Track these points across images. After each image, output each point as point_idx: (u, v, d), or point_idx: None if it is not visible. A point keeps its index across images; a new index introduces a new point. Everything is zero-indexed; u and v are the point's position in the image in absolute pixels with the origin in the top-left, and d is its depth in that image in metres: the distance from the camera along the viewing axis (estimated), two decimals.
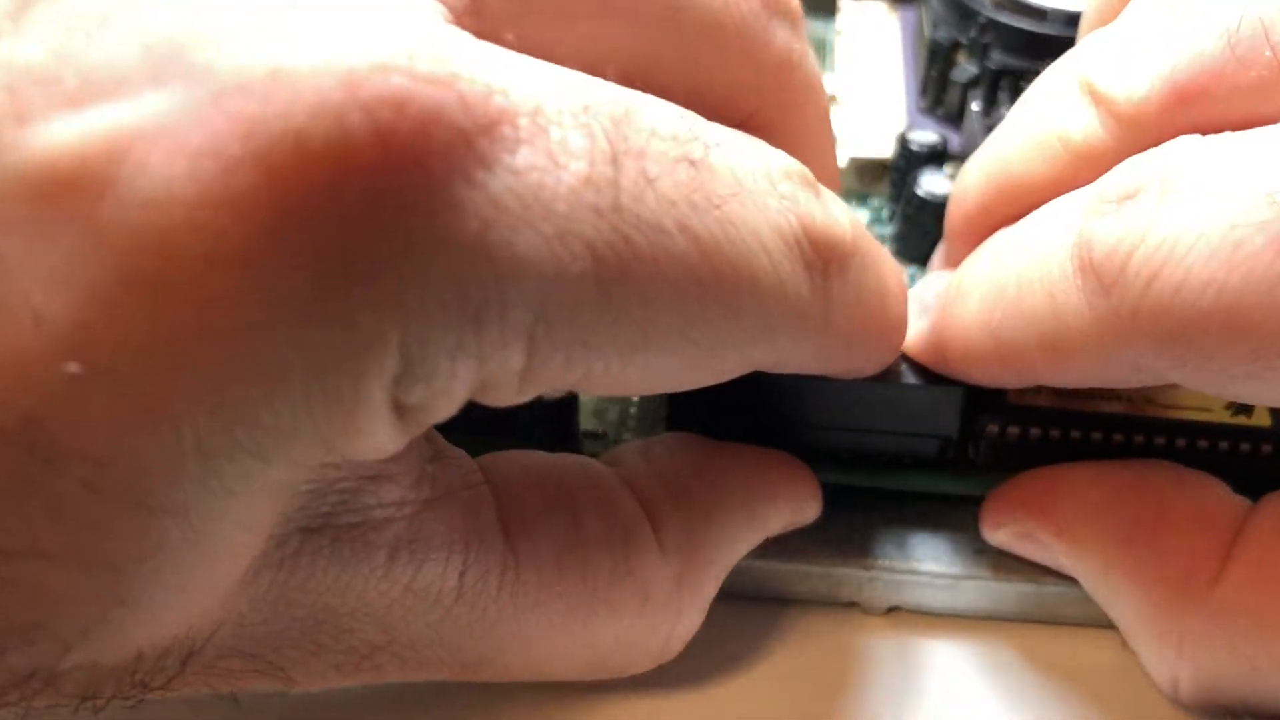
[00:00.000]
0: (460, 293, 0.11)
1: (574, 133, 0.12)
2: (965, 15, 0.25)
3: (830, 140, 0.19)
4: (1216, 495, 0.18)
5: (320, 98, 0.10)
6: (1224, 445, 0.19)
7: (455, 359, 0.12)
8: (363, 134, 0.10)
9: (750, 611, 0.21)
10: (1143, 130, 0.15)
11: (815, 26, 0.33)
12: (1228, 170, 0.14)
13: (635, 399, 0.22)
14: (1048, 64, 0.23)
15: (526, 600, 0.16)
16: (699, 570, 0.18)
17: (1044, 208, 0.17)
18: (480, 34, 0.12)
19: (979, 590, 0.20)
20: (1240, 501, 0.18)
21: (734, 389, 0.20)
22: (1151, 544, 0.18)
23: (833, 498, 0.21)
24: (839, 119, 0.27)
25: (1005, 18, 0.25)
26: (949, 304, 0.18)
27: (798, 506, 0.19)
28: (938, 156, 0.25)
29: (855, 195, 0.27)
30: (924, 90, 0.27)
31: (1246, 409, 0.19)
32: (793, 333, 0.15)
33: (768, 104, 0.16)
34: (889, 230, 0.25)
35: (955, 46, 0.26)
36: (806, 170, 0.15)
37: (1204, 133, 0.14)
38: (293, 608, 0.14)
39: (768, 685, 0.20)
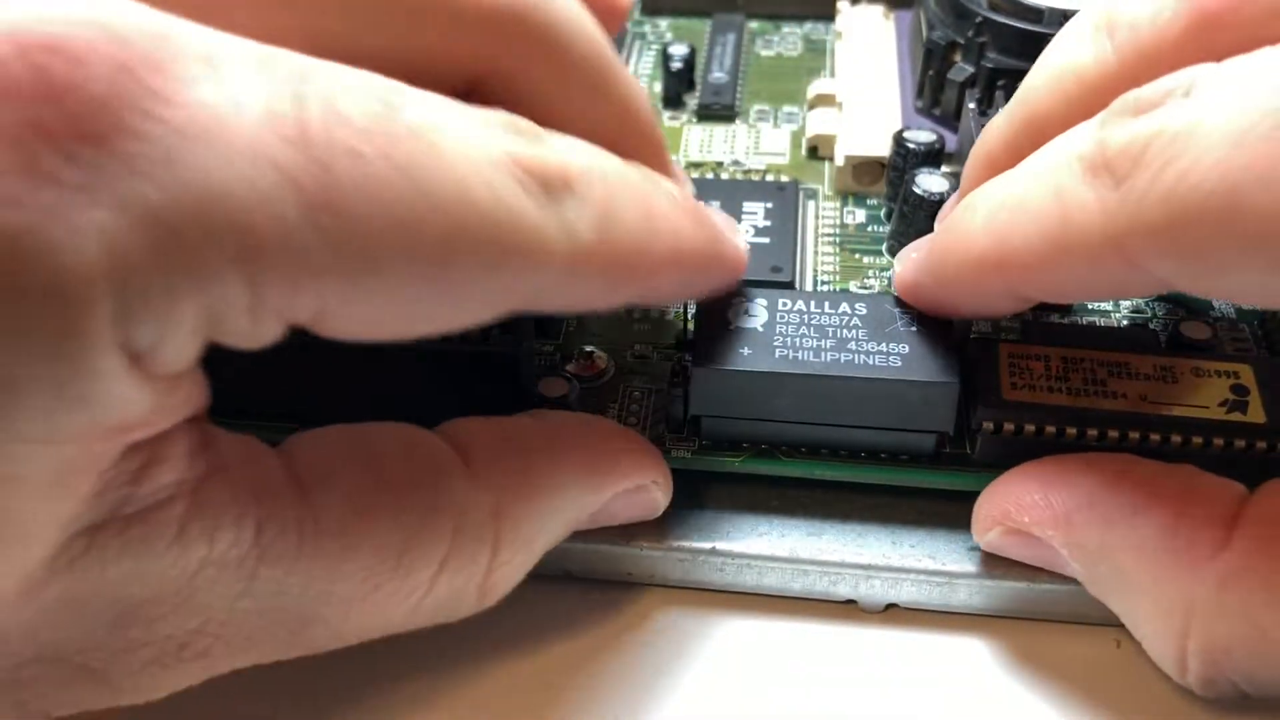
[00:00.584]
0: (155, 219, 0.12)
1: (252, 75, 0.13)
2: (961, 16, 0.26)
3: (603, 76, 0.18)
4: (1205, 476, 0.18)
5: None
6: (1218, 442, 0.19)
7: (172, 292, 0.12)
8: (21, 73, 0.11)
9: (749, 610, 0.21)
10: (1158, 59, 0.16)
11: (814, 29, 0.33)
12: (1245, 77, 0.14)
13: (635, 396, 0.22)
14: None
15: (334, 547, 0.16)
16: (518, 505, 0.18)
17: (1061, 135, 0.17)
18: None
19: (975, 588, 0.20)
20: (1229, 481, 0.18)
21: (735, 387, 0.20)
22: (1152, 518, 0.17)
23: (830, 495, 0.21)
24: (838, 119, 0.28)
25: (1001, 17, 0.25)
26: (953, 219, 0.19)
27: (641, 481, 0.19)
28: (934, 156, 0.25)
29: (853, 194, 0.27)
30: (920, 90, 0.27)
31: (1242, 407, 0.19)
32: (535, 257, 0.15)
33: (501, 64, 0.16)
34: (886, 229, 0.26)
35: (951, 47, 0.26)
36: (519, 121, 0.16)
37: (1219, 56, 0.15)
38: (89, 606, 0.14)
39: (766, 683, 0.20)
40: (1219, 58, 0.15)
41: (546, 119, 0.16)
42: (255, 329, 0.13)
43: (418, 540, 0.16)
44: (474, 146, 0.14)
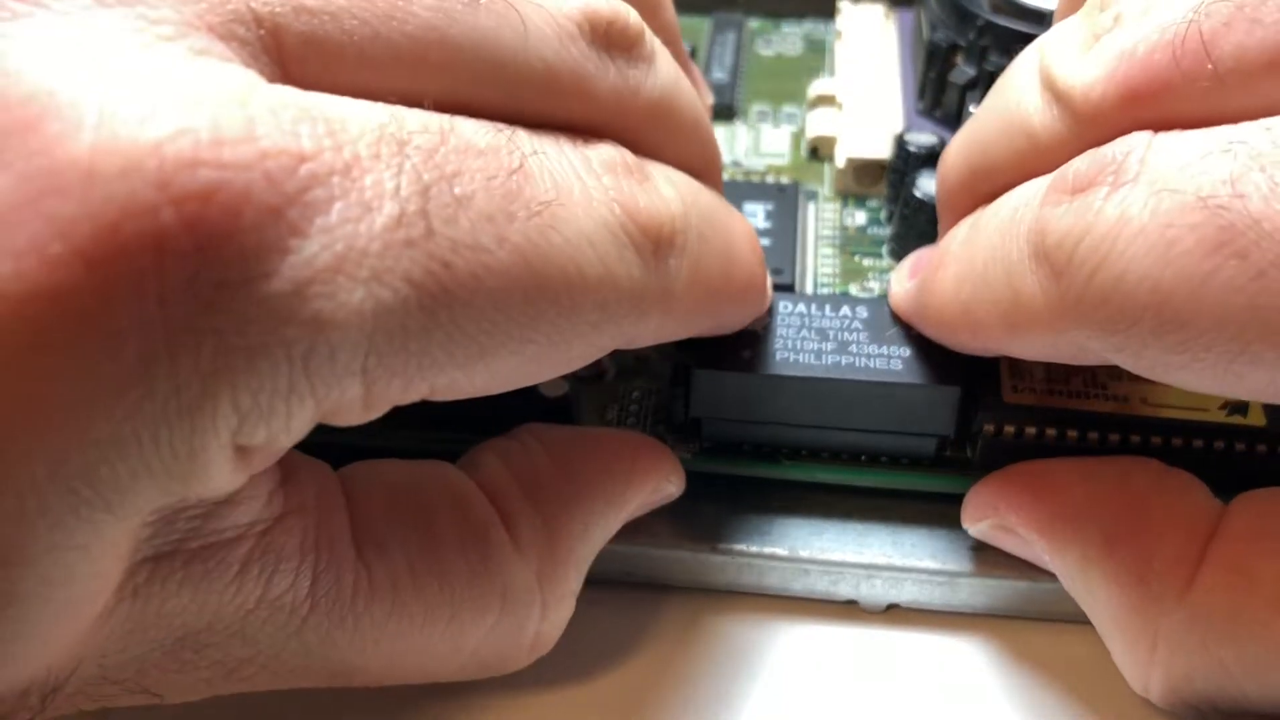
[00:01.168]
0: (285, 348, 0.12)
1: (387, 174, 0.13)
2: (963, 18, 0.26)
3: (699, 142, 0.19)
4: (1196, 498, 0.18)
5: (132, 196, 0.11)
6: (1219, 445, 0.19)
7: (290, 403, 0.12)
8: (174, 227, 0.11)
9: (751, 610, 0.21)
10: (1097, 125, 0.16)
11: (814, 29, 0.33)
12: (1169, 171, 0.14)
13: (635, 396, 0.22)
14: None
15: (383, 607, 0.16)
16: (558, 564, 0.18)
17: (1010, 193, 0.17)
18: (295, 79, 0.13)
19: (977, 587, 0.20)
20: (1216, 504, 0.18)
21: (736, 389, 0.20)
22: (1130, 546, 0.18)
23: (831, 494, 0.21)
24: (838, 121, 0.28)
25: (1003, 20, 0.25)
26: (930, 271, 0.19)
27: (656, 485, 0.20)
28: (935, 158, 0.25)
29: (853, 196, 0.27)
30: (922, 92, 0.27)
31: (1242, 409, 0.19)
32: (634, 314, 0.15)
33: (613, 127, 0.17)
34: (887, 231, 0.26)
35: (953, 49, 0.26)
36: (629, 157, 0.16)
37: (1156, 128, 0.15)
38: (150, 632, 0.15)
39: (767, 684, 0.20)
40: (1159, 125, 0.15)
41: (649, 152, 0.17)
42: (364, 415, 0.13)
43: (466, 606, 0.17)
44: (590, 213, 0.15)
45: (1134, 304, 0.14)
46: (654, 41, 0.17)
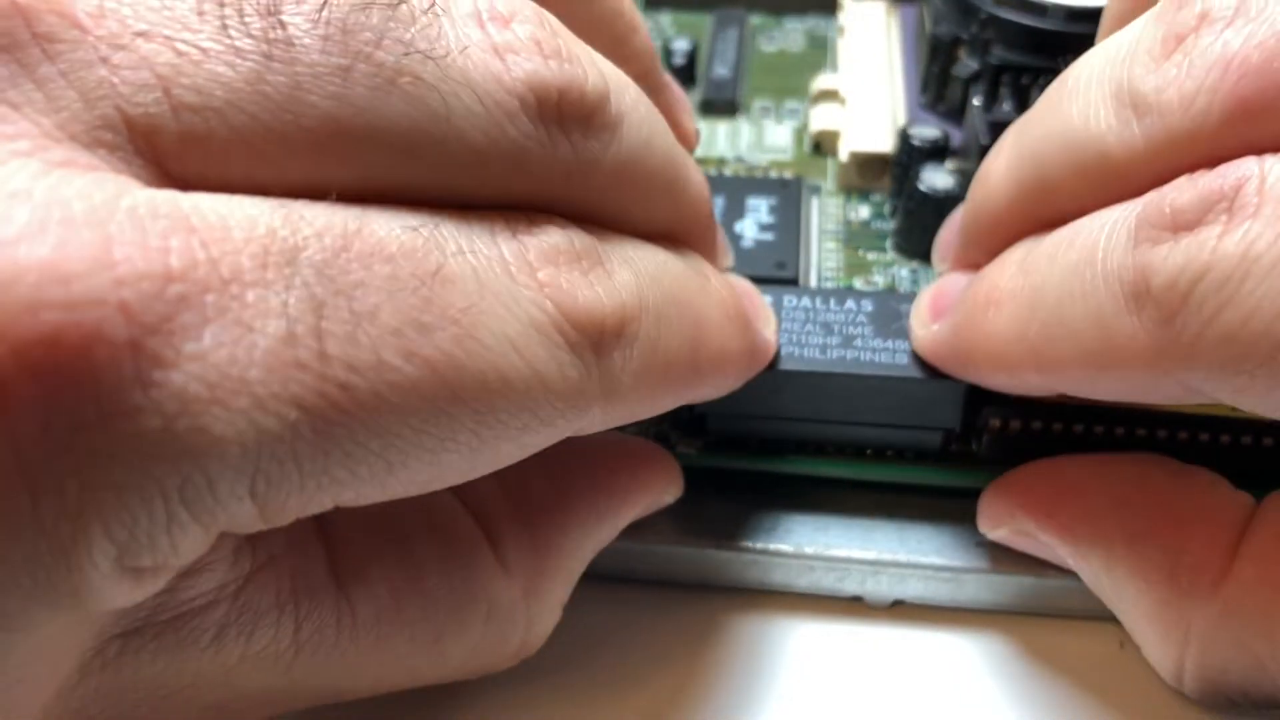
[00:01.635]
0: (156, 484, 0.11)
1: (274, 289, 0.12)
2: (966, 11, 0.25)
3: (678, 202, 0.17)
4: (1219, 492, 0.18)
5: None
6: (1224, 438, 0.19)
7: (171, 532, 0.12)
8: (17, 378, 0.10)
9: (756, 606, 0.21)
10: (1196, 143, 0.14)
11: (817, 25, 0.33)
12: None
13: None
14: (1048, 59, 0.24)
15: (368, 640, 0.16)
16: (546, 579, 0.18)
17: (1078, 225, 0.16)
18: (177, 178, 0.12)
19: (982, 583, 0.20)
20: (1242, 497, 0.18)
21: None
22: (1156, 542, 0.18)
23: (837, 490, 0.21)
24: (841, 115, 0.28)
25: (1006, 13, 0.25)
26: (975, 311, 0.18)
27: (654, 495, 0.20)
28: (939, 152, 0.25)
29: (856, 191, 0.27)
30: (925, 86, 0.27)
31: None
32: (572, 412, 0.14)
33: (566, 202, 0.15)
34: (891, 225, 0.26)
35: (956, 42, 0.26)
36: (577, 241, 0.15)
37: (1259, 152, 0.14)
38: (127, 695, 0.14)
39: (771, 681, 0.20)
40: (1262, 147, 0.14)
41: (612, 219, 0.16)
42: (267, 527, 0.13)
43: (451, 630, 0.17)
44: (515, 314, 0.13)
45: (1267, 344, 0.13)
46: (620, 101, 0.15)
